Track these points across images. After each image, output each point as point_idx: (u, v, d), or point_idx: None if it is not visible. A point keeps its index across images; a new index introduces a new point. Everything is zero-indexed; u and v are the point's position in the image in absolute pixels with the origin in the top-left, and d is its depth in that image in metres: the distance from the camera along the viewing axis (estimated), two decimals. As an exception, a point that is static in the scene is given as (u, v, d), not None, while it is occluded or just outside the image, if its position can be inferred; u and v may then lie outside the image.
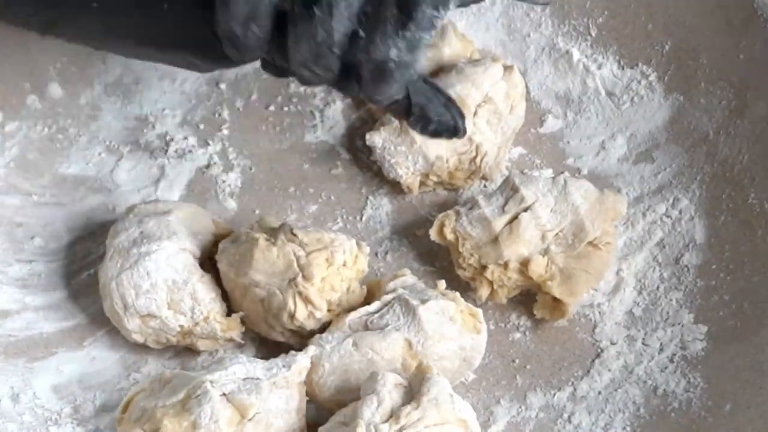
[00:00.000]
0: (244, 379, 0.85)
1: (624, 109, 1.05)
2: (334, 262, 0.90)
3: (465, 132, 0.87)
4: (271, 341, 0.94)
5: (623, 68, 1.06)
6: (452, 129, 0.87)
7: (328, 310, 0.90)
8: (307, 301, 0.89)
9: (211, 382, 0.83)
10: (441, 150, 0.99)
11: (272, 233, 0.92)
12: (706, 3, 1.02)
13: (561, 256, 0.93)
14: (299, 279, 0.89)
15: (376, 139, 1.00)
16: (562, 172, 0.98)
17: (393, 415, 0.80)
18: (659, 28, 1.05)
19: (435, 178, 1.01)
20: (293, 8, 0.77)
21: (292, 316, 0.89)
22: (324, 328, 0.91)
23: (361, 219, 1.03)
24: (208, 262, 0.95)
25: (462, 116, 0.87)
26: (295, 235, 0.91)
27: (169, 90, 1.09)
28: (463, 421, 0.82)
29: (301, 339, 0.92)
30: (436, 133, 0.87)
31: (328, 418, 0.85)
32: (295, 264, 0.89)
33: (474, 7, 1.09)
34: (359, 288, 0.92)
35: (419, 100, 0.84)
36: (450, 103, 0.86)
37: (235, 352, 0.94)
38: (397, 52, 0.77)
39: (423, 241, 1.00)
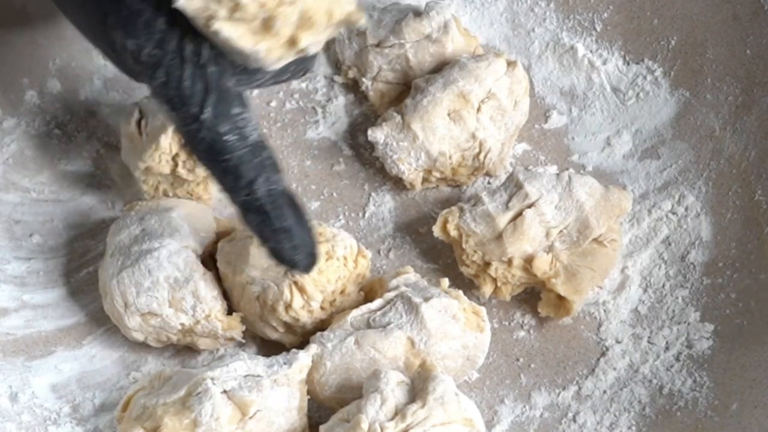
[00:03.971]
0: (245, 376, 0.84)
1: (629, 104, 1.05)
2: (334, 256, 0.90)
3: (308, 269, 0.83)
4: (272, 341, 0.94)
5: (629, 64, 1.06)
6: (311, 255, 0.82)
7: (321, 308, 0.90)
8: (302, 291, 0.89)
9: (212, 379, 0.83)
10: (444, 146, 0.99)
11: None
12: (713, -3, 1.02)
13: (565, 253, 0.93)
14: None
15: (378, 135, 0.99)
16: (567, 169, 0.98)
17: (398, 413, 0.80)
18: (665, 22, 1.05)
19: (438, 174, 1.01)
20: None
21: (287, 307, 0.89)
22: (318, 327, 0.91)
23: (363, 216, 1.02)
24: (209, 259, 0.95)
25: (312, 251, 0.82)
26: (295, 228, 0.91)
27: (169, 86, 1.08)
28: (469, 420, 0.82)
29: (296, 337, 0.92)
30: (291, 257, 0.81)
31: (330, 417, 0.85)
32: None
33: (478, 1, 1.10)
34: (356, 292, 0.92)
35: (282, 218, 0.79)
36: (309, 237, 0.81)
37: (236, 350, 0.94)
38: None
39: (426, 238, 0.99)
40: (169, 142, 0.96)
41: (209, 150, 0.78)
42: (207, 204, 1.00)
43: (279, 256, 0.81)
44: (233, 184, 0.79)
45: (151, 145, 0.96)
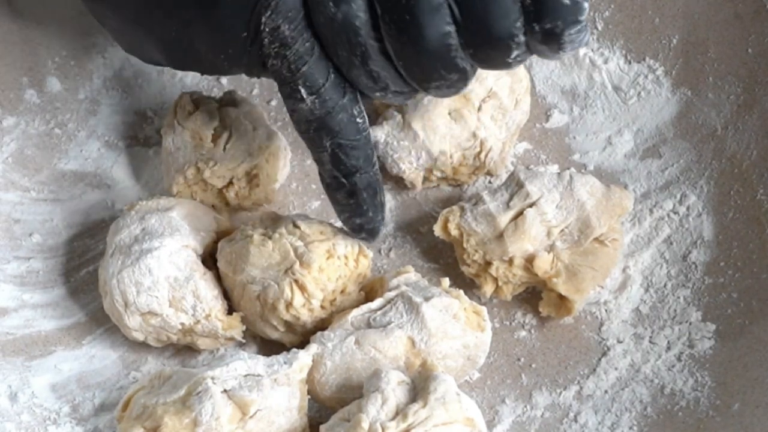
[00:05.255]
0: (245, 376, 0.84)
1: (631, 103, 1.05)
2: (335, 254, 0.90)
3: (375, 239, 0.91)
4: (272, 341, 0.93)
5: (630, 62, 1.06)
6: (374, 232, 0.90)
7: (322, 307, 0.90)
8: (303, 289, 0.89)
9: (212, 378, 0.83)
10: (445, 145, 0.99)
11: (273, 227, 0.92)
12: (714, -4, 1.02)
13: (567, 252, 0.93)
14: (296, 266, 0.89)
15: (379, 133, 0.99)
16: (568, 168, 0.98)
17: (399, 413, 0.80)
18: (666, 21, 1.04)
19: (439, 174, 1.01)
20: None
21: (288, 305, 0.89)
22: (318, 327, 0.91)
23: (364, 215, 1.02)
24: (209, 259, 0.95)
25: (383, 221, 0.90)
26: (297, 226, 0.91)
27: (169, 84, 1.08)
28: (471, 420, 0.82)
29: (296, 337, 0.92)
30: (357, 229, 0.90)
31: (330, 417, 0.84)
32: (292, 254, 0.89)
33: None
34: (356, 292, 0.92)
35: (367, 190, 0.87)
36: (382, 206, 0.89)
37: (236, 350, 0.94)
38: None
39: (427, 237, 0.99)
40: (245, 171, 0.97)
41: (320, 130, 0.83)
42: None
43: (353, 229, 0.90)
44: (335, 166, 0.85)
45: (228, 163, 0.97)
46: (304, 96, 0.82)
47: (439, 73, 0.80)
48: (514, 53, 0.78)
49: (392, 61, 0.80)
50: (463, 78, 0.81)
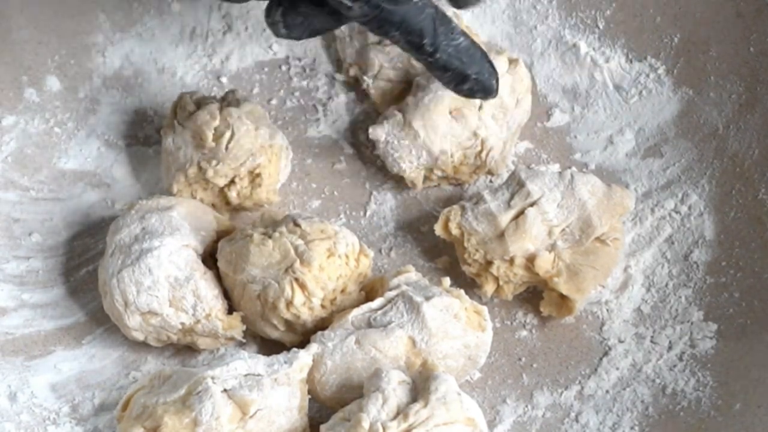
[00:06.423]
0: (246, 376, 0.84)
1: (632, 103, 1.05)
2: (335, 253, 0.90)
3: (497, 92, 0.93)
4: (273, 341, 0.93)
5: (631, 61, 1.05)
6: (488, 89, 0.92)
7: (322, 306, 0.90)
8: (303, 287, 0.89)
9: (212, 378, 0.83)
10: (445, 144, 0.99)
11: (274, 226, 0.92)
12: (716, -6, 1.02)
13: (568, 251, 0.92)
14: (296, 265, 0.89)
15: (379, 133, 0.99)
16: (569, 167, 0.98)
17: (400, 413, 0.80)
18: (668, 20, 1.04)
19: (439, 173, 1.01)
20: None
21: (288, 303, 0.89)
22: (319, 327, 0.91)
23: (364, 215, 1.02)
24: (210, 258, 0.95)
25: (497, 75, 0.92)
26: (297, 225, 0.91)
27: (169, 83, 1.08)
28: (472, 420, 0.82)
29: (296, 336, 0.92)
30: (470, 93, 0.92)
31: (330, 417, 0.84)
32: (293, 252, 0.89)
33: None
34: (356, 291, 0.92)
35: (458, 57, 0.89)
36: (486, 59, 0.91)
37: (236, 349, 0.94)
38: None
39: (427, 237, 0.99)
40: (247, 170, 0.97)
41: (381, 26, 0.87)
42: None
43: (465, 94, 0.93)
44: (417, 51, 0.89)
45: (230, 162, 0.96)
46: (349, 3, 0.84)
47: None
48: None
49: None
50: None
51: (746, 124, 0.99)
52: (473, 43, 0.91)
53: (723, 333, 0.92)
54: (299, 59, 1.09)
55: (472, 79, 0.91)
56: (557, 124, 1.06)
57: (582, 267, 0.92)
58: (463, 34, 0.90)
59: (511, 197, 0.94)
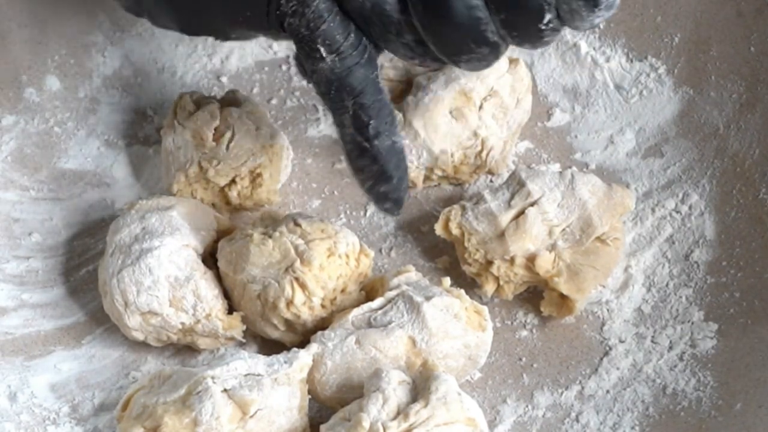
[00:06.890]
0: (246, 375, 0.84)
1: (633, 102, 1.05)
2: (336, 253, 0.90)
3: (399, 213, 0.89)
4: (273, 341, 0.93)
5: (632, 61, 1.05)
6: (399, 201, 0.87)
7: (322, 306, 0.90)
8: (303, 287, 0.89)
9: (212, 378, 0.83)
10: (446, 144, 0.99)
11: (274, 225, 0.92)
12: (717, -6, 1.02)
13: (568, 251, 0.92)
14: (297, 264, 0.89)
15: (380, 132, 0.99)
16: (570, 167, 0.98)
17: (400, 412, 0.80)
18: (668, 20, 1.04)
19: (440, 173, 1.01)
20: None
21: (289, 303, 0.89)
22: (319, 326, 0.91)
23: (364, 214, 1.02)
24: (210, 258, 0.95)
25: (408, 195, 0.88)
26: (298, 224, 0.91)
27: (169, 83, 1.08)
28: (472, 420, 0.82)
29: (296, 336, 0.92)
30: (382, 196, 0.87)
31: (330, 417, 0.84)
32: (293, 252, 0.89)
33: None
34: (357, 291, 0.92)
35: (393, 153, 0.85)
36: (406, 172, 0.87)
37: (236, 349, 0.94)
38: None
39: (428, 236, 0.99)
40: (248, 170, 0.97)
41: (341, 89, 0.82)
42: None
43: (378, 198, 0.87)
44: (358, 129, 0.83)
45: (231, 161, 0.96)
46: (324, 55, 0.81)
47: (470, 47, 0.80)
48: (547, 17, 0.77)
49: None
50: (495, 52, 0.81)
51: (747, 123, 0.99)
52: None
53: (724, 333, 0.92)
54: (299, 59, 1.09)
55: (393, 183, 0.86)
56: (557, 124, 1.06)
57: (582, 267, 0.92)
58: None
59: (512, 197, 0.94)
